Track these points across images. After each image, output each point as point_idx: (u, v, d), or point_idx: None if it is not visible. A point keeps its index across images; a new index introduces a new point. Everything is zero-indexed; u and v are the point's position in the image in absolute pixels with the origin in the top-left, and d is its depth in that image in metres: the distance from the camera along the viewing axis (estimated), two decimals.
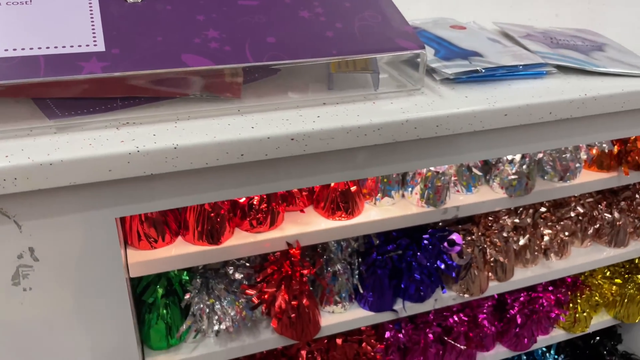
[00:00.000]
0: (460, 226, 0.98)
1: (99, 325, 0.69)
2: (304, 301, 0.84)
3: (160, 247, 0.77)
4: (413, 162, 0.72)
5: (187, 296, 0.82)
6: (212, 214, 0.75)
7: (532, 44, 0.87)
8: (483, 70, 0.75)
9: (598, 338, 1.36)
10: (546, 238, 1.02)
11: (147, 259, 0.75)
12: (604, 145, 0.96)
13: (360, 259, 0.95)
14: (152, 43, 0.60)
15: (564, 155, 0.91)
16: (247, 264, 0.86)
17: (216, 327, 0.83)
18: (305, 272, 0.83)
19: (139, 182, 0.58)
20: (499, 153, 0.78)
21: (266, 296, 0.82)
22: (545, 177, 0.96)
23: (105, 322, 0.69)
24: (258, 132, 0.60)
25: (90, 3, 0.62)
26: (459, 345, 1.06)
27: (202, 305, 0.82)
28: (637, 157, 0.98)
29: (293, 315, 0.84)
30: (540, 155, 0.91)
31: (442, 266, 0.94)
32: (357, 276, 0.94)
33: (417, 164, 0.73)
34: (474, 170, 0.89)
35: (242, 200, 0.77)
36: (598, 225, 1.11)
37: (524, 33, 0.94)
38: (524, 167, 0.88)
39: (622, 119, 0.81)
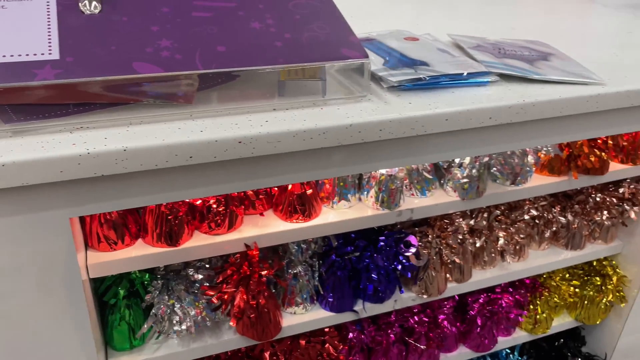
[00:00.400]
0: (416, 229, 1.02)
1: (55, 326, 0.71)
2: (263, 301, 0.87)
3: (120, 249, 0.80)
4: (360, 165, 0.76)
5: (147, 297, 0.84)
6: (170, 217, 0.78)
7: (480, 54, 0.92)
8: (427, 78, 0.79)
9: (562, 340, 1.40)
10: (501, 240, 1.06)
11: (107, 260, 0.78)
12: (550, 149, 1.00)
13: (320, 261, 0.98)
14: (106, 52, 0.63)
15: (509, 161, 0.95)
16: (208, 266, 0.89)
17: (177, 328, 0.85)
18: (263, 272, 0.86)
19: (90, 183, 0.61)
20: (444, 156, 0.82)
21: (226, 296, 0.85)
22: (498, 181, 1.01)
23: (62, 322, 0.72)
24: (206, 135, 0.63)
25: (48, 15, 0.66)
26: (420, 345, 1.09)
27: (162, 306, 0.84)
28: (585, 162, 1.03)
29: (252, 315, 0.87)
30: (486, 159, 0.95)
31: (399, 267, 0.97)
32: (317, 278, 0.97)
33: (364, 167, 0.77)
34: (425, 174, 0.93)
35: (199, 202, 0.80)
36: (555, 228, 1.16)
37: (474, 44, 0.99)
38: (474, 171, 0.92)
39: (563, 124, 0.85)
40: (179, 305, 0.84)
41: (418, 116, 0.73)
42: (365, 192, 0.93)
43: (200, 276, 0.86)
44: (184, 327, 0.85)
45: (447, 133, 0.77)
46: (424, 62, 0.85)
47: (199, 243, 0.82)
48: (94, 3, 0.69)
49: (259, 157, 0.68)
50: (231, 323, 0.87)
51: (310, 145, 0.69)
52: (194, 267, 0.87)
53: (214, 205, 0.81)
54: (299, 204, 0.87)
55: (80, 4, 0.69)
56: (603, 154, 1.01)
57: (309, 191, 0.86)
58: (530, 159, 0.97)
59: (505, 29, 1.19)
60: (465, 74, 0.83)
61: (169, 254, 0.81)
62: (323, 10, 0.79)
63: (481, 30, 1.15)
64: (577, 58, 0.95)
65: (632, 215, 1.14)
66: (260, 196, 0.87)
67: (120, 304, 0.84)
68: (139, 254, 0.80)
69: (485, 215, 1.05)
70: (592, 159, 1.00)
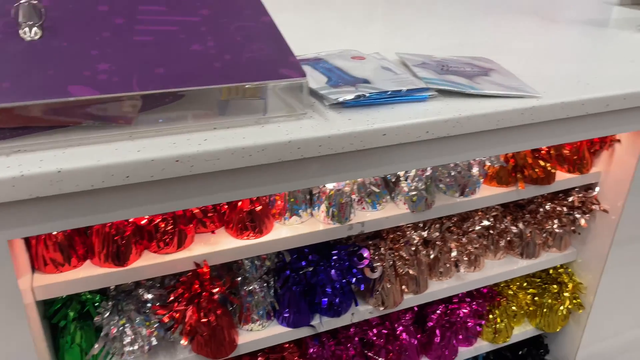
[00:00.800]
0: (370, 242, 1.04)
1: None
2: (215, 319, 0.87)
3: (68, 270, 0.80)
4: (302, 180, 0.78)
5: (97, 318, 0.84)
6: (117, 237, 0.79)
7: (422, 71, 0.95)
8: (367, 95, 0.82)
9: (526, 349, 1.42)
10: (454, 252, 1.08)
11: (53, 282, 0.78)
12: (495, 161, 1.03)
13: (275, 277, 0.99)
14: (43, 76, 0.65)
15: (453, 173, 0.98)
16: (159, 285, 0.89)
17: (129, 348, 0.85)
18: (215, 290, 0.87)
19: (27, 206, 0.62)
20: (384, 171, 0.84)
21: (177, 315, 0.86)
22: (447, 193, 1.03)
23: (7, 348, 0.71)
24: (143, 155, 0.64)
25: None
26: (380, 358, 1.10)
27: (112, 327, 0.84)
28: (531, 172, 1.06)
29: (205, 333, 0.88)
30: (430, 172, 0.98)
31: (354, 280, 0.99)
32: (273, 294, 0.98)
33: (305, 183, 0.79)
34: (373, 187, 0.95)
35: (144, 222, 0.81)
36: (509, 238, 1.18)
37: (419, 62, 1.02)
38: (420, 184, 0.95)
39: (500, 136, 0.88)
40: (129, 326, 0.85)
41: (356, 132, 0.75)
42: (317, 207, 0.95)
43: (151, 296, 0.87)
44: (136, 347, 0.85)
45: (386, 148, 0.79)
46: (366, 80, 0.88)
47: (148, 262, 0.83)
48: (34, 29, 0.71)
49: (198, 175, 0.69)
50: (183, 342, 0.87)
51: (250, 162, 0.70)
52: (144, 287, 0.88)
53: (162, 225, 0.82)
54: (249, 220, 0.88)
55: (20, 31, 0.70)
56: (547, 164, 1.04)
57: (259, 208, 0.88)
58: (475, 170, 1.00)
59: (455, 46, 1.23)
60: (404, 90, 0.86)
61: (117, 275, 0.82)
62: (264, 33, 0.82)
63: (432, 47, 1.19)
64: (519, 72, 0.99)
65: (582, 222, 1.17)
66: (210, 214, 0.88)
67: (70, 326, 0.84)
68: (86, 275, 0.81)
69: (438, 226, 1.07)
70: (537, 169, 1.04)
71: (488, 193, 1.07)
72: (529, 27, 1.43)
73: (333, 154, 0.76)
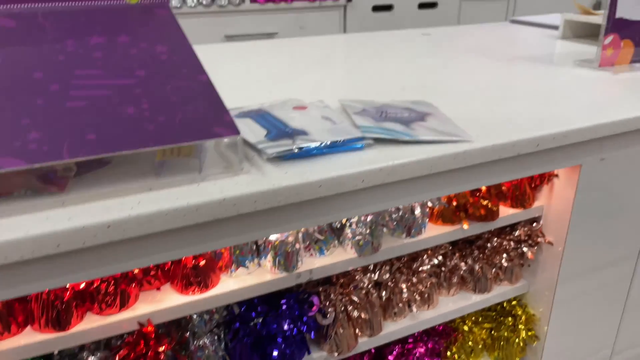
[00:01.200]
0: (320, 288, 1.04)
1: None
2: None
3: (8, 338, 0.78)
4: (240, 236, 0.79)
5: None
6: (56, 302, 0.78)
7: (361, 119, 0.98)
8: (302, 148, 0.84)
9: None
10: (405, 292, 1.10)
11: None
12: (436, 201, 1.06)
13: (226, 330, 0.99)
14: None
15: (394, 216, 1.01)
16: (104, 347, 0.88)
17: None
18: (161, 349, 0.86)
19: None
20: (324, 220, 0.85)
21: None
22: (394, 235, 1.05)
23: None
24: (74, 223, 0.65)
25: None
26: None
27: None
28: (475, 210, 1.09)
29: None
30: (371, 217, 1.00)
31: (305, 328, 0.99)
32: (224, 347, 0.98)
33: (244, 237, 0.80)
34: (317, 235, 0.97)
35: (82, 286, 0.80)
36: (461, 274, 1.21)
37: (360, 109, 1.05)
38: (364, 228, 0.97)
39: (435, 180, 0.91)
40: None
41: (292, 185, 0.77)
42: (264, 257, 0.96)
43: (95, 358, 0.85)
44: None
45: (323, 198, 0.81)
46: (304, 131, 0.90)
47: (91, 325, 0.82)
48: None
49: (133, 238, 0.69)
50: None
51: (185, 222, 0.71)
52: (89, 350, 0.86)
53: (103, 286, 0.81)
54: (194, 276, 0.88)
55: None
56: (488, 203, 1.08)
57: (202, 262, 0.88)
58: (418, 212, 1.03)
59: (397, 89, 1.28)
60: (341, 140, 0.88)
61: (59, 340, 0.80)
62: (200, 92, 0.84)
63: (377, 91, 1.23)
64: (457, 115, 1.03)
65: (529, 255, 1.21)
66: (152, 272, 0.88)
67: None
68: (27, 342, 0.79)
69: (387, 267, 1.09)
70: (480, 208, 1.07)
71: (435, 232, 1.09)
72: (473, 67, 1.49)
73: (269, 208, 0.77)
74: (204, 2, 3.28)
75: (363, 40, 2.00)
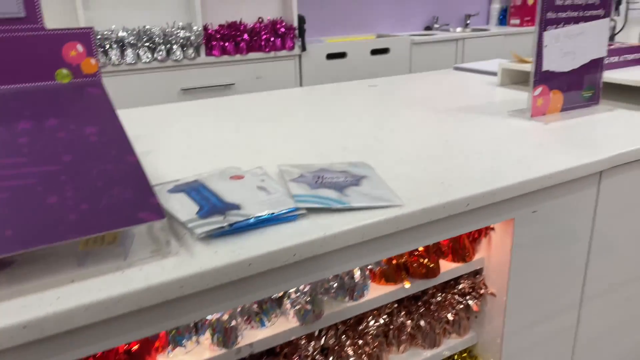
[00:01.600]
0: (263, 359, 1.03)
1: None
2: None
3: None
4: (169, 321, 0.77)
5: None
6: None
7: (297, 187, 1.00)
8: (233, 225, 0.84)
9: None
10: (352, 357, 1.09)
11: None
12: (374, 265, 1.07)
13: None
14: None
15: (334, 284, 1.01)
16: None
17: None
18: None
19: None
20: (255, 297, 0.83)
21: None
22: (337, 299, 1.06)
23: None
24: None
25: None
26: None
27: None
28: (415, 269, 1.11)
29: None
30: (309, 287, 1.00)
31: None
32: None
33: (172, 323, 0.78)
34: (254, 307, 0.96)
35: None
36: (409, 331, 1.21)
37: (297, 175, 1.07)
38: (303, 298, 0.97)
39: (367, 247, 0.92)
40: None
41: (220, 266, 0.77)
42: (202, 334, 0.94)
43: None
44: None
45: (252, 276, 0.81)
46: (237, 205, 0.91)
47: None
48: None
49: (53, 336, 0.68)
50: None
51: (108, 314, 0.70)
52: None
53: None
54: None
55: None
56: (427, 260, 1.10)
57: (135, 347, 0.86)
58: (358, 275, 1.04)
59: (339, 149, 1.30)
60: (275, 212, 0.89)
61: None
62: (127, 174, 0.84)
63: (319, 151, 1.25)
64: (392, 175, 1.05)
65: (474, 307, 1.22)
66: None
67: None
68: None
69: (333, 332, 1.08)
70: (420, 266, 1.08)
71: (378, 293, 1.10)
72: (414, 122, 1.54)
73: (198, 291, 0.77)
74: (159, 57, 3.31)
75: (312, 95, 2.05)
